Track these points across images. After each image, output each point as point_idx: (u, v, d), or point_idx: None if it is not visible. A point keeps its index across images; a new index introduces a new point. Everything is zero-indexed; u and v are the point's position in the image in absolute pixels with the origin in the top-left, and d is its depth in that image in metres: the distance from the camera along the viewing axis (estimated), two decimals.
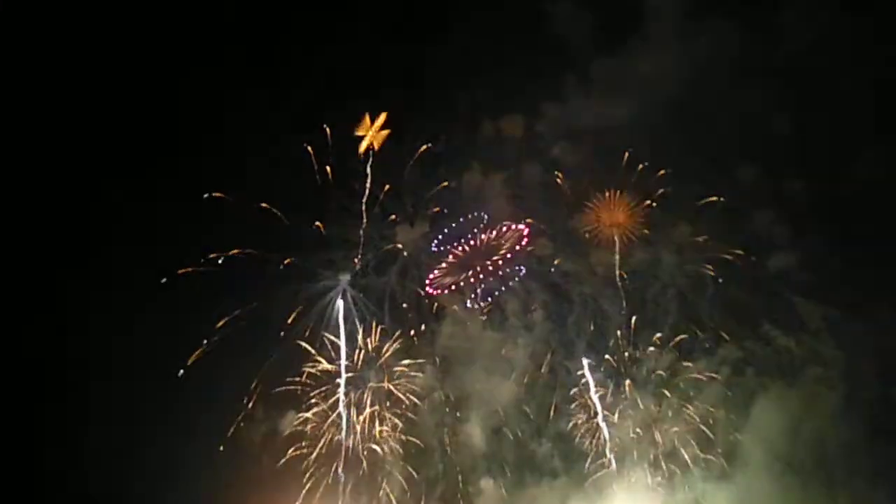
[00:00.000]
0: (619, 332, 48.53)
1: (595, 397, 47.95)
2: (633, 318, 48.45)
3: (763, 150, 46.56)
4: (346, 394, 46.72)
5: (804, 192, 46.82)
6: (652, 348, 48.23)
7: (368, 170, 46.87)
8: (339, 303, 46.91)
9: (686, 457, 46.00)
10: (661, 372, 47.86)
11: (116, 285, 44.84)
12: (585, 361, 48.31)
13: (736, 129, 46.33)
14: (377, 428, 46.68)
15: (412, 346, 48.33)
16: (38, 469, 43.67)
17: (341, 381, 46.66)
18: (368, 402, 47.02)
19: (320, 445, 45.71)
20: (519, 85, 47.81)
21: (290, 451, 45.50)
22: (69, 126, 45.99)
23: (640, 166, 46.92)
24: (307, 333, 46.13)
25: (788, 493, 43.70)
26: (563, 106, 47.95)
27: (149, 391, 44.54)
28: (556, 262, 49.18)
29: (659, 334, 48.10)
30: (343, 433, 46.17)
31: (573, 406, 48.06)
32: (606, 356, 48.35)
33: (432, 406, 48.07)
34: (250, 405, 45.25)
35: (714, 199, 46.66)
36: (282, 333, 45.31)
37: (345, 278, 47.30)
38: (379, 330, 47.62)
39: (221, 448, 44.23)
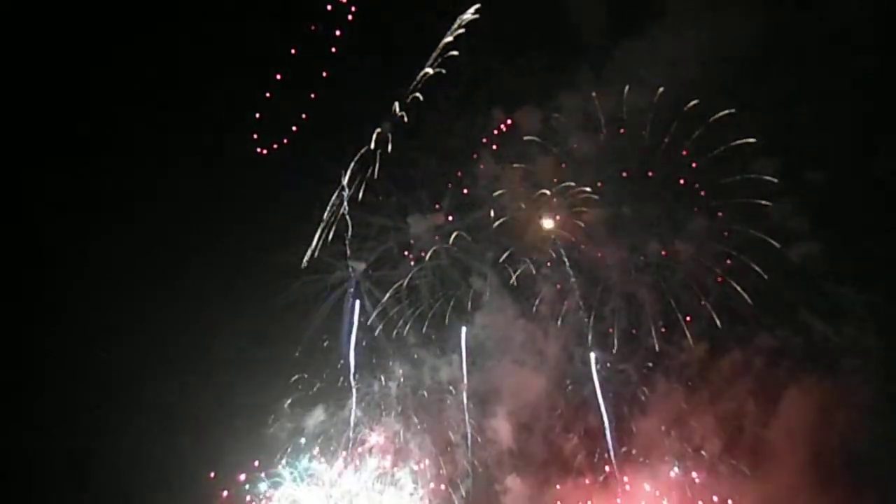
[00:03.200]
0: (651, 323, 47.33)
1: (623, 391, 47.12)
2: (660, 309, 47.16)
3: (787, 139, 44.70)
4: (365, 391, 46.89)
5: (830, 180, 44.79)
6: (685, 339, 46.86)
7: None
8: (353, 295, 46.97)
9: (713, 452, 44.91)
10: (693, 364, 46.55)
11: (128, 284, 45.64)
12: (593, 354, 47.43)
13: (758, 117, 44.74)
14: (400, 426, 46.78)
15: (436, 338, 48.09)
16: None
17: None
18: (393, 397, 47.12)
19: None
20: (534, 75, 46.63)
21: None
22: None
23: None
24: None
25: (814, 490, 42.34)
26: (579, 96, 46.73)
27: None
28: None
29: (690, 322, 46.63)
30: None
31: (602, 400, 47.03)
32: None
33: (458, 400, 47.64)
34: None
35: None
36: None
37: (358, 270, 47.15)
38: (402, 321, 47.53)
39: None
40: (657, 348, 47.05)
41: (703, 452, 45.16)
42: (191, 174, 45.03)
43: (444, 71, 46.12)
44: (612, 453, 45.97)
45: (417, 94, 45.86)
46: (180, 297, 44.96)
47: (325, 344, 46.57)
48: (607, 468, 45.85)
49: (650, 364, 47.18)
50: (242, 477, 44.28)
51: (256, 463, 44.72)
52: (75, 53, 44.37)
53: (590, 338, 47.40)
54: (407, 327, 47.45)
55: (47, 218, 44.68)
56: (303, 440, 45.63)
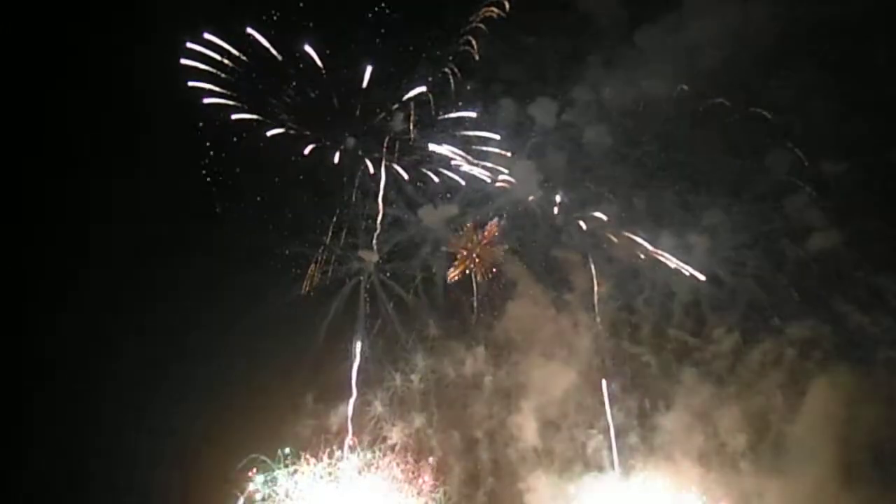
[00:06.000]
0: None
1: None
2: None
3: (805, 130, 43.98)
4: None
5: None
6: (717, 330, 46.09)
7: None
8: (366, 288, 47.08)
9: (737, 449, 43.70)
10: (723, 356, 45.66)
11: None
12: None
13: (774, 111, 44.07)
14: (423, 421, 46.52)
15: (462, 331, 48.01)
16: None
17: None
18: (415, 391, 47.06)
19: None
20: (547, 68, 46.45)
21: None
22: None
23: None
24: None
25: (838, 489, 40.67)
26: (593, 89, 46.27)
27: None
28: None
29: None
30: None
31: (628, 395, 46.34)
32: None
33: (482, 395, 47.35)
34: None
35: None
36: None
37: (370, 262, 47.20)
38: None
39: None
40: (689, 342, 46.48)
41: (727, 448, 44.06)
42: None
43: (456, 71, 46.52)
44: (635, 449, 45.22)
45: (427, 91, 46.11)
46: (190, 293, 45.93)
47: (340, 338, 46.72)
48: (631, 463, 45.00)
49: (677, 357, 46.46)
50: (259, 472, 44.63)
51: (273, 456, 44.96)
52: None
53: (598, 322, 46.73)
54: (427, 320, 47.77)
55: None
56: (325, 435, 45.64)
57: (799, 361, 44.10)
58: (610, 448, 45.01)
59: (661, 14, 44.22)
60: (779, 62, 43.83)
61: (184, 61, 44.03)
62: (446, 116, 46.52)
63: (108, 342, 45.72)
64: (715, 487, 43.17)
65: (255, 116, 45.33)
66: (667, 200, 46.13)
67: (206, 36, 44.45)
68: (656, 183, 46.14)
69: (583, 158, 46.52)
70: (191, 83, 44.24)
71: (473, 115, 46.41)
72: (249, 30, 44.72)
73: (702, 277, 45.01)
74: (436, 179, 46.77)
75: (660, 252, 45.43)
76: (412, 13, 45.18)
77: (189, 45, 44.14)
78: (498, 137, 46.10)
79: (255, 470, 44.17)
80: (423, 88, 45.82)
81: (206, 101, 44.47)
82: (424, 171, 46.82)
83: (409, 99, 46.09)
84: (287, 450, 44.74)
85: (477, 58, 45.79)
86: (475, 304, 47.83)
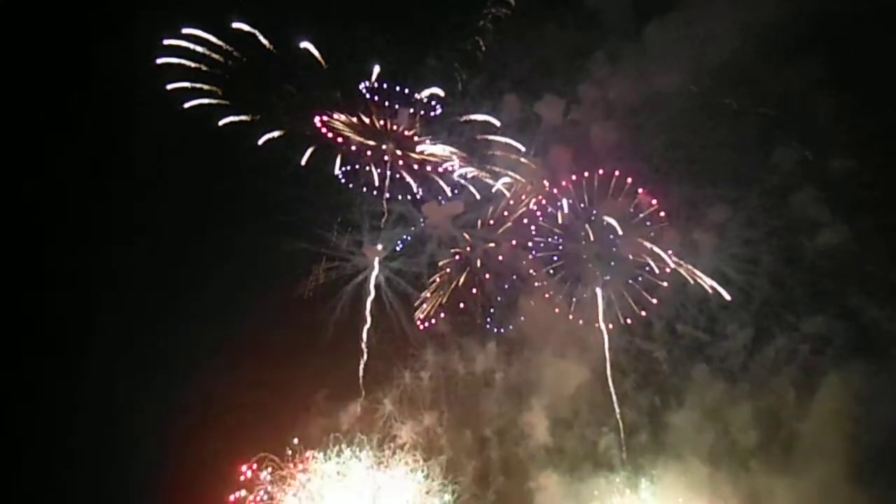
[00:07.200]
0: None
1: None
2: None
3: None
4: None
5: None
6: (729, 327, 45.72)
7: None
8: (372, 286, 46.45)
9: (748, 447, 43.64)
10: (735, 353, 45.38)
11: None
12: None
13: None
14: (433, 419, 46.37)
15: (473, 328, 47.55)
16: None
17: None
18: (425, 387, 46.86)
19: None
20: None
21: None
22: None
23: None
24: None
25: (850, 488, 40.55)
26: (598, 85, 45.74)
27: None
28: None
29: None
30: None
31: (641, 393, 46.32)
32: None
33: (493, 392, 47.17)
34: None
35: None
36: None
37: (375, 259, 46.55)
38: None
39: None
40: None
41: (738, 445, 44.03)
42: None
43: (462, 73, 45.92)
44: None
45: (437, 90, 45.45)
46: (195, 293, 45.92)
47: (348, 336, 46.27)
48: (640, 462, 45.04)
49: (688, 354, 46.14)
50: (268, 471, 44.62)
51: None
52: None
53: (602, 325, 46.05)
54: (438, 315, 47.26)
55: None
56: (334, 434, 45.44)
57: (812, 358, 43.88)
58: (621, 446, 45.26)
59: (667, 11, 43.95)
60: (786, 59, 43.26)
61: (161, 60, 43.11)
62: (455, 119, 46.14)
63: (115, 341, 45.72)
64: (725, 486, 43.32)
65: (247, 118, 44.34)
66: (675, 197, 45.45)
67: (187, 30, 43.49)
68: (663, 180, 45.53)
69: (590, 156, 45.72)
70: (170, 85, 43.40)
71: (481, 117, 45.80)
72: (237, 24, 43.72)
73: (727, 297, 44.72)
74: (440, 182, 46.54)
75: (680, 262, 45.00)
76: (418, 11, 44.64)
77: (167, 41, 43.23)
78: (509, 141, 45.63)
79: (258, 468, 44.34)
80: (439, 91, 45.55)
81: (189, 104, 43.70)
82: (429, 170, 46.50)
83: (417, 99, 45.75)
84: (297, 446, 44.70)
85: (483, 57, 45.61)
86: (479, 305, 47.72)
